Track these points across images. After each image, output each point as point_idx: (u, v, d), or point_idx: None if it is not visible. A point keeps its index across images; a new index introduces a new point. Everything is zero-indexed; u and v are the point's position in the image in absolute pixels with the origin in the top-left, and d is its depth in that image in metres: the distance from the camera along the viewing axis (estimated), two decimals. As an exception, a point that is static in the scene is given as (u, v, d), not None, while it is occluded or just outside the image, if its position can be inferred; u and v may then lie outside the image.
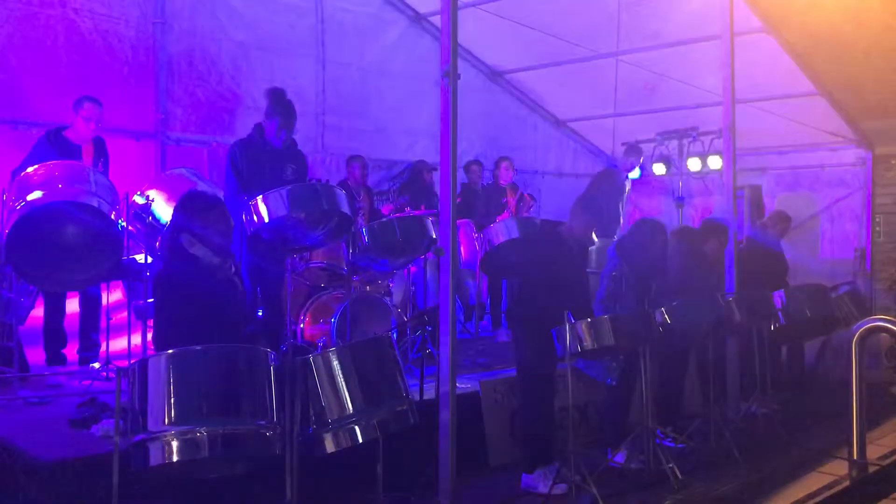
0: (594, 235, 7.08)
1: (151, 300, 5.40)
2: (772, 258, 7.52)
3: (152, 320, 4.63)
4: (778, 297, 6.57)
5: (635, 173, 9.35)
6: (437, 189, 6.95)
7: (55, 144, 5.74)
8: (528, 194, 8.68)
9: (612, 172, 9.16)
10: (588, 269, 6.75)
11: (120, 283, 6.12)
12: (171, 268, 4.13)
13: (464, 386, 5.61)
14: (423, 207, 7.45)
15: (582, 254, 5.55)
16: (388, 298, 6.85)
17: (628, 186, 9.21)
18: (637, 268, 5.63)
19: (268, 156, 5.74)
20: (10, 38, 6.49)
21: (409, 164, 8.75)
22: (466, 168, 8.55)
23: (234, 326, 4.11)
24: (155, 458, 3.32)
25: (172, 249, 4.10)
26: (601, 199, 8.28)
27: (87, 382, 5.59)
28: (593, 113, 10.17)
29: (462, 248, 7.46)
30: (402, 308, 6.97)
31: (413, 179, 8.40)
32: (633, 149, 9.15)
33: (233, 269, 4.22)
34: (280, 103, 5.77)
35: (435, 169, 7.94)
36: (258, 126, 5.85)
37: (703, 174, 9.57)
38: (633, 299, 5.58)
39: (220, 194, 5.36)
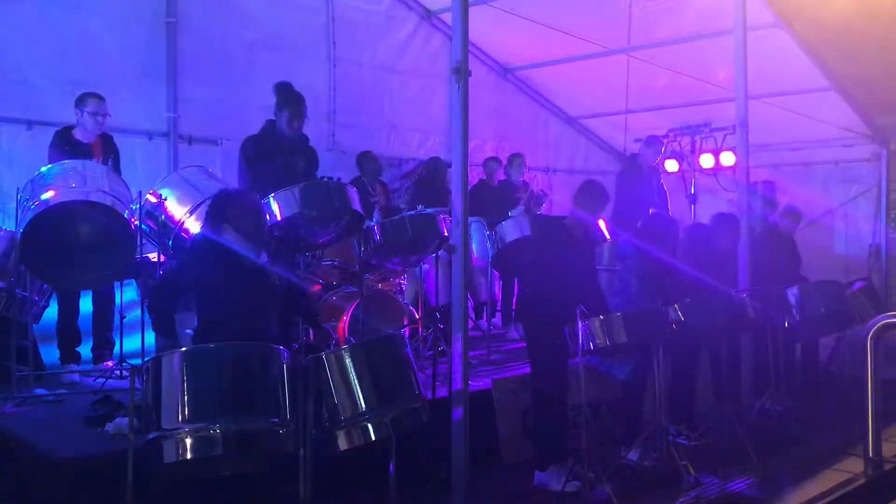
0: (605, 230, 7.05)
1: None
2: (784, 252, 7.49)
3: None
4: (792, 294, 6.54)
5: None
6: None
7: (65, 143, 5.77)
8: (541, 190, 8.65)
9: (631, 159, 9.00)
10: (600, 266, 6.72)
11: (133, 281, 6.14)
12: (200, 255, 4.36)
13: (476, 384, 5.60)
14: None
15: (590, 246, 5.53)
16: (400, 296, 6.85)
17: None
18: (650, 264, 5.62)
19: (279, 150, 5.79)
20: (23, 38, 6.52)
21: (421, 161, 8.73)
22: (485, 165, 8.53)
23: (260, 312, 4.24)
24: (169, 456, 3.33)
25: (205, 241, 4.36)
26: (626, 188, 8.17)
27: (101, 380, 5.62)
28: (605, 109, 10.14)
29: (474, 245, 7.44)
30: (414, 306, 6.97)
31: (428, 176, 8.37)
32: (651, 141, 9.06)
33: (265, 259, 4.36)
34: (288, 95, 5.81)
35: (450, 166, 7.92)
36: (269, 121, 5.89)
37: (716, 170, 9.52)
38: (650, 296, 5.56)
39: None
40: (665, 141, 9.34)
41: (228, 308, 4.13)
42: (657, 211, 8.26)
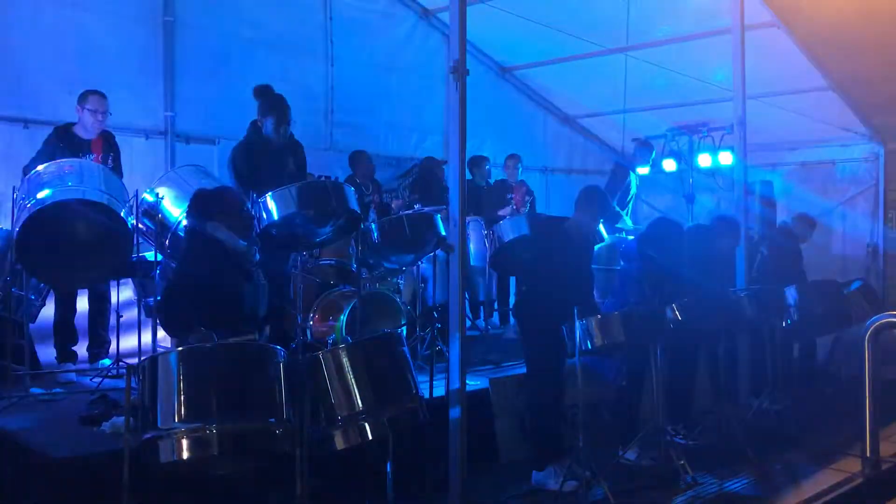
0: (603, 230, 7.05)
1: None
2: (791, 257, 7.52)
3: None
4: (790, 294, 6.54)
5: (646, 170, 9.31)
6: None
7: (64, 141, 5.74)
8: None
9: (620, 168, 9.15)
10: (596, 266, 6.72)
11: (130, 280, 6.12)
12: (194, 250, 4.37)
13: (474, 383, 5.60)
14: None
15: (587, 249, 5.53)
16: (397, 295, 6.84)
17: (635, 182, 9.19)
18: (655, 266, 5.60)
19: (268, 152, 5.74)
20: (19, 37, 6.50)
21: (418, 161, 8.73)
22: (470, 164, 8.50)
23: (243, 314, 4.24)
24: (165, 456, 3.31)
25: (195, 236, 4.37)
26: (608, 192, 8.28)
27: (97, 380, 5.61)
28: (602, 109, 10.14)
29: (471, 245, 7.44)
30: (412, 305, 6.96)
31: (423, 176, 8.38)
32: (644, 144, 9.10)
33: (255, 258, 4.38)
34: (271, 100, 5.76)
35: (445, 163, 7.92)
36: (253, 123, 5.85)
37: (714, 170, 9.52)
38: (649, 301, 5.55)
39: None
40: (663, 141, 9.38)
41: (218, 300, 4.13)
42: (663, 215, 8.28)
